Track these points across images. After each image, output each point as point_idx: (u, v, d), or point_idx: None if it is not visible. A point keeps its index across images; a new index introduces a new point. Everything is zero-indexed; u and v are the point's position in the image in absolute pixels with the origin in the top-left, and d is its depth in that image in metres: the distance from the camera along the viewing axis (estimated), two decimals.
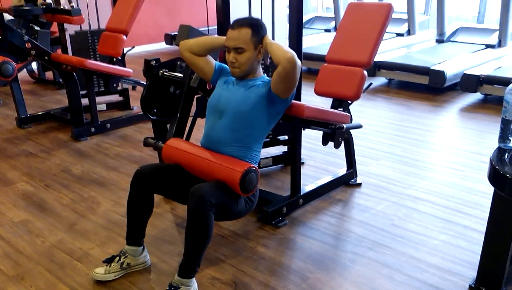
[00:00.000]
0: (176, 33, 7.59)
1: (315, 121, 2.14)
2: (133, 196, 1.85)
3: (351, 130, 2.60)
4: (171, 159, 1.95)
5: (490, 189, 1.67)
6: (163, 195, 1.93)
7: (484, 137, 3.42)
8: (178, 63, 2.45)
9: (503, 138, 1.68)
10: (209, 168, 1.82)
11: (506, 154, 1.64)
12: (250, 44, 1.81)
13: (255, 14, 3.02)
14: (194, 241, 1.68)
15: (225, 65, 2.00)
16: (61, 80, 4.49)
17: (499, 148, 1.69)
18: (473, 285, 1.82)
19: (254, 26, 1.83)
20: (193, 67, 2.05)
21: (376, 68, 4.80)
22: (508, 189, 1.52)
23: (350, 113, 2.37)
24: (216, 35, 2.14)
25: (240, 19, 1.85)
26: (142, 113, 2.50)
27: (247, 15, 2.92)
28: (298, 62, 1.76)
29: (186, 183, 1.86)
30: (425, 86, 4.61)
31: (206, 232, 1.66)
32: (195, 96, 2.36)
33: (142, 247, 1.94)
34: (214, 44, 1.97)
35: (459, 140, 3.39)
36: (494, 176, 1.57)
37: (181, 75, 2.38)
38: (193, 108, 2.38)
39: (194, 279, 1.76)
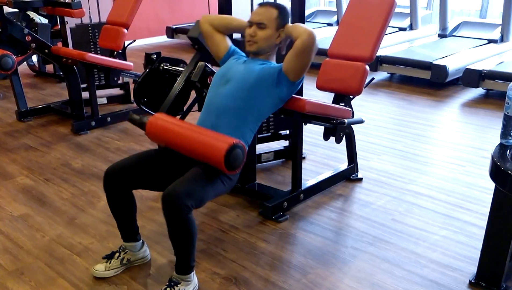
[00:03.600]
0: (178, 26, 7.50)
1: (317, 116, 2.13)
2: (109, 197, 1.80)
3: (352, 125, 2.59)
4: (155, 136, 1.86)
5: (491, 184, 1.66)
6: (141, 189, 1.85)
7: (486, 133, 3.41)
8: (181, 64, 2.43)
9: (505, 134, 1.67)
10: (193, 143, 1.71)
11: (508, 150, 1.63)
12: (273, 23, 1.88)
13: None
14: (179, 244, 1.66)
15: (238, 49, 2.06)
16: (61, 74, 4.48)
17: (500, 144, 1.68)
18: (473, 281, 1.82)
19: (281, 9, 1.92)
20: (209, 41, 2.06)
21: (378, 63, 4.78)
22: (509, 186, 1.51)
23: (351, 108, 2.36)
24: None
25: (269, 1, 1.97)
26: None
27: (249, 8, 2.90)
28: (317, 41, 1.82)
29: (160, 171, 1.80)
30: (427, 81, 4.58)
31: (188, 234, 1.63)
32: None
33: (140, 242, 1.94)
34: (235, 24, 2.02)
35: (460, 135, 3.38)
36: (496, 172, 1.56)
37: (182, 69, 2.36)
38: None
39: (193, 273, 1.76)
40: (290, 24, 1.92)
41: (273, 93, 1.87)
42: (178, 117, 2.34)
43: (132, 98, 4.07)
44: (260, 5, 1.94)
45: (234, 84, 1.86)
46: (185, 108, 2.36)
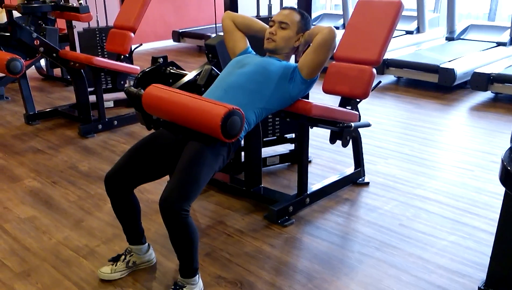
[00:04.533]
0: (184, 30, 7.51)
1: (323, 119, 2.12)
2: (113, 201, 1.80)
3: (359, 129, 2.58)
4: (151, 106, 1.80)
5: (500, 189, 1.64)
6: (143, 183, 1.82)
7: (494, 137, 3.38)
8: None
9: None
10: (189, 110, 1.65)
11: None
12: (294, 26, 1.97)
13: (263, 12, 3.00)
14: (181, 248, 1.66)
15: (255, 52, 2.11)
16: (69, 77, 4.52)
17: (510, 149, 1.65)
18: (482, 287, 1.79)
19: (305, 16, 2.02)
20: (228, 36, 2.10)
21: (384, 66, 4.76)
22: None
23: (358, 112, 2.34)
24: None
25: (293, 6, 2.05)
26: None
27: (255, 13, 2.91)
28: (336, 40, 1.89)
29: (156, 160, 1.77)
30: (435, 85, 4.55)
31: (188, 237, 1.63)
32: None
33: (146, 245, 1.94)
34: (258, 27, 2.08)
35: (468, 139, 3.34)
36: (506, 177, 1.53)
37: (187, 72, 2.36)
38: None
39: (198, 277, 1.75)
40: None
41: (284, 88, 1.91)
42: None
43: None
44: (285, 8, 2.02)
45: (251, 67, 1.90)
46: None
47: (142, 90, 1.88)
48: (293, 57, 2.13)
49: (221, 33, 2.19)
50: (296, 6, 2.35)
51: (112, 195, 1.78)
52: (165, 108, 1.75)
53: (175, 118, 1.73)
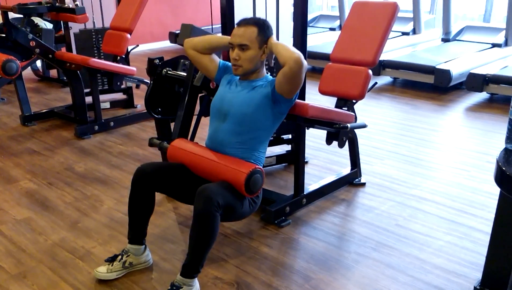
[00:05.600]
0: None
1: (320, 120, 2.12)
2: (134, 194, 1.84)
3: (355, 130, 2.59)
4: (176, 160, 1.95)
5: (496, 189, 1.65)
6: (165, 194, 1.93)
7: (490, 137, 3.39)
8: (182, 60, 2.45)
9: (510, 139, 1.65)
10: (214, 169, 1.82)
11: None
12: (255, 43, 1.81)
13: (260, 13, 3.00)
14: (199, 242, 1.67)
15: (229, 63, 1.99)
16: (65, 78, 4.51)
17: (506, 149, 1.66)
18: (478, 287, 1.80)
19: (261, 25, 1.83)
20: (197, 65, 2.05)
21: (381, 67, 4.78)
22: None
23: (354, 112, 2.35)
24: (220, 34, 2.14)
25: (246, 18, 1.86)
26: (145, 111, 2.50)
27: (251, 13, 2.91)
28: (305, 62, 1.76)
29: (189, 183, 1.87)
30: (431, 85, 4.58)
31: (211, 233, 1.66)
32: (199, 95, 2.34)
33: (144, 246, 1.94)
34: (218, 43, 1.97)
35: (464, 140, 3.36)
36: (501, 178, 1.54)
37: (185, 74, 2.37)
38: (197, 107, 2.36)
39: (196, 279, 1.75)
40: (273, 38, 1.84)
41: (273, 112, 1.87)
42: (193, 122, 2.36)
43: (135, 103, 4.09)
44: (239, 24, 1.83)
45: (233, 119, 1.85)
46: (195, 111, 2.37)
47: (166, 144, 2.03)
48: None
49: (186, 23, 2.15)
50: (292, 9, 2.35)
51: (136, 187, 1.83)
52: (188, 166, 1.92)
53: (199, 175, 1.90)
